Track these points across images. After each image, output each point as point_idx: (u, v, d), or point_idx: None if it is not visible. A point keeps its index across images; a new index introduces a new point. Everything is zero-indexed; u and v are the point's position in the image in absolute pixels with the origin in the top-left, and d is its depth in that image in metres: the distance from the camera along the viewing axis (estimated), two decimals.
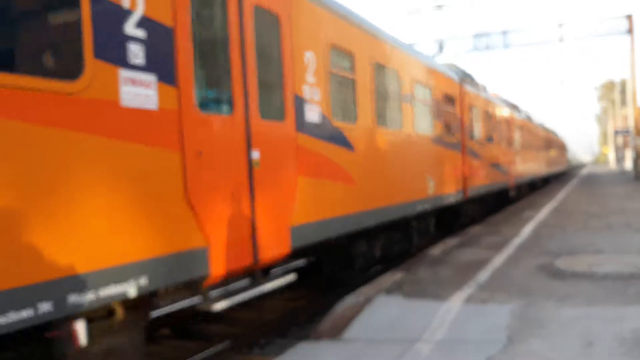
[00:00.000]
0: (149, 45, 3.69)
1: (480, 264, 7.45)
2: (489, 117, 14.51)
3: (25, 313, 2.83)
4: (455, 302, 5.52)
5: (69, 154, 3.11)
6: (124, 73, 3.49)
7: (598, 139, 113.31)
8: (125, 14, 3.50)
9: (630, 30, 28.97)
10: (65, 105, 3.09)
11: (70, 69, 3.20)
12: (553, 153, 36.11)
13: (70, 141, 3.13)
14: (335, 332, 4.83)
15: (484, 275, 6.73)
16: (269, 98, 4.99)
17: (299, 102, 5.40)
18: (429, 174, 9.22)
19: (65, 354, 3.35)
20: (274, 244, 4.86)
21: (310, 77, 5.60)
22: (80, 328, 3.29)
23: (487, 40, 33.10)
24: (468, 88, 12.46)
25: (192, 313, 6.51)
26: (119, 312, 3.70)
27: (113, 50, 3.42)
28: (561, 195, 21.35)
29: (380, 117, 7.31)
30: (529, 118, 24.81)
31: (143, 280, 3.54)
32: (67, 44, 3.28)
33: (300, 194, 5.33)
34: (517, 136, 19.48)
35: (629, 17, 29.06)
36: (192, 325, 6.29)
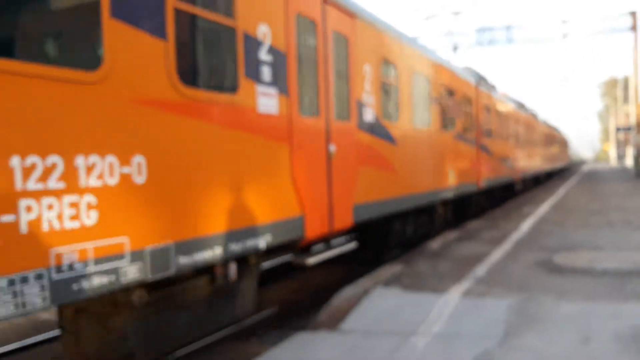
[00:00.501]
0: (273, 67, 4.99)
1: (479, 258, 7.45)
2: (499, 115, 15.75)
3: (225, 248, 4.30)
4: (453, 295, 5.52)
5: (233, 146, 4.44)
6: (259, 88, 4.79)
7: (599, 136, 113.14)
8: (261, 44, 4.84)
9: (633, 28, 28.82)
10: (231, 112, 4.43)
11: (232, 85, 4.50)
12: (556, 149, 37.16)
13: (233, 137, 4.45)
14: (333, 323, 4.84)
15: (482, 269, 6.73)
16: (340, 103, 6.27)
17: (359, 106, 6.70)
18: (450, 166, 10.48)
19: (223, 284, 4.66)
20: (342, 218, 6.17)
21: (367, 86, 6.94)
22: (233, 268, 4.63)
23: (491, 35, 32.95)
24: (482, 89, 13.73)
25: None
26: (252, 260, 5.03)
27: (254, 71, 4.73)
28: (561, 191, 21.33)
29: (415, 116, 8.61)
30: (534, 116, 25.67)
31: (268, 238, 4.84)
32: (229, 67, 4.53)
33: (359, 180, 6.63)
34: (523, 133, 20.56)
35: (633, 14, 28.90)
36: None
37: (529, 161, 21.78)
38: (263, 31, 4.89)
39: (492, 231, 10.26)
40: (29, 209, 2.87)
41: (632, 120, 31.83)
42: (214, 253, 4.18)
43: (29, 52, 3.27)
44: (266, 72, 4.89)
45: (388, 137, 7.48)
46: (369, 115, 6.90)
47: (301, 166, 5.35)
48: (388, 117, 7.53)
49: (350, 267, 8.93)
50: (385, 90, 7.46)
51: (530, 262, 7.01)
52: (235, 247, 4.43)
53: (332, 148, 5.96)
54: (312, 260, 5.67)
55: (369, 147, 6.89)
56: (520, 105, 21.78)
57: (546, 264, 6.84)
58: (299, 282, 8.12)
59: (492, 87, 15.89)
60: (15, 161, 2.82)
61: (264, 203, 4.81)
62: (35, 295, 2.89)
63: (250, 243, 4.60)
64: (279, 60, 5.07)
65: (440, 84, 10.01)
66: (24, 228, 2.84)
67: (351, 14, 6.56)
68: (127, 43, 3.50)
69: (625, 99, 57.31)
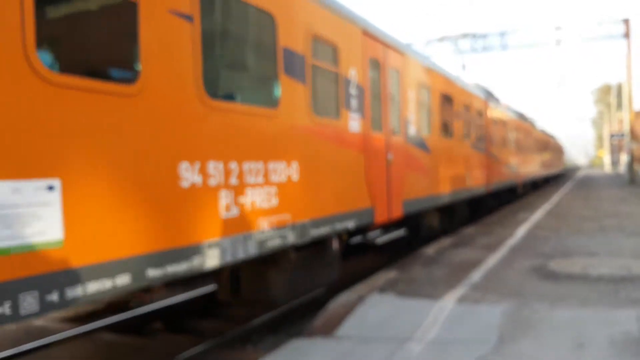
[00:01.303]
0: (357, 98, 6.79)
1: (473, 264, 7.47)
2: (504, 125, 17.73)
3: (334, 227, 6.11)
4: (448, 301, 5.53)
5: (337, 156, 6.26)
6: (350, 114, 6.61)
7: (594, 142, 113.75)
8: (351, 83, 6.67)
9: (627, 35, 29.07)
10: (336, 132, 6.25)
11: (336, 113, 6.30)
12: (552, 156, 39.02)
13: (337, 149, 6.27)
14: (328, 330, 4.84)
15: (477, 275, 6.75)
16: (394, 121, 8.10)
17: (406, 123, 8.57)
18: (467, 171, 12.31)
19: (329, 252, 6.44)
20: (396, 210, 8.03)
21: (410, 106, 8.77)
22: (336, 242, 6.57)
23: (484, 42, 33.14)
24: (490, 103, 15.76)
25: (186, 308, 6.50)
26: (343, 238, 7.07)
27: (348, 102, 6.54)
28: (556, 197, 21.42)
29: (442, 129, 10.51)
30: (533, 124, 27.74)
31: (353, 222, 6.56)
32: (335, 100, 6.32)
33: (406, 181, 8.47)
34: (524, 141, 22.49)
35: (626, 22, 29.15)
36: (185, 320, 6.28)
37: (529, 167, 23.60)
38: (352, 73, 6.74)
39: (487, 237, 10.29)
40: (244, 194, 4.64)
41: (626, 127, 32.05)
42: (328, 229, 5.98)
43: (239, 97, 4.84)
44: (354, 102, 6.71)
45: (424, 147, 9.36)
46: (412, 130, 8.79)
47: (371, 170, 7.15)
48: (424, 131, 9.43)
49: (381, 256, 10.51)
50: (422, 108, 9.36)
51: (525, 268, 7.04)
52: (338, 226, 6.24)
53: (390, 156, 7.81)
54: (380, 240, 8.09)
55: (412, 155, 8.79)
56: (521, 116, 23.59)
57: (541, 270, 6.87)
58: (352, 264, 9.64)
59: (498, 101, 17.96)
60: (245, 166, 4.68)
61: (352, 196, 6.60)
62: (252, 247, 4.72)
63: (345, 224, 6.39)
64: (360, 93, 6.91)
65: (461, 101, 12.01)
66: (248, 207, 4.68)
67: (401, 52, 8.51)
68: (289, 88, 5.37)
69: (619, 106, 57.72)
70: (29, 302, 2.94)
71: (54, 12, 3.73)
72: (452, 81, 11.44)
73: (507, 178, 17.68)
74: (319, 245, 6.22)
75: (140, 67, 3.70)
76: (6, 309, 2.84)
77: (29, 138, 2.97)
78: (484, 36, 32.97)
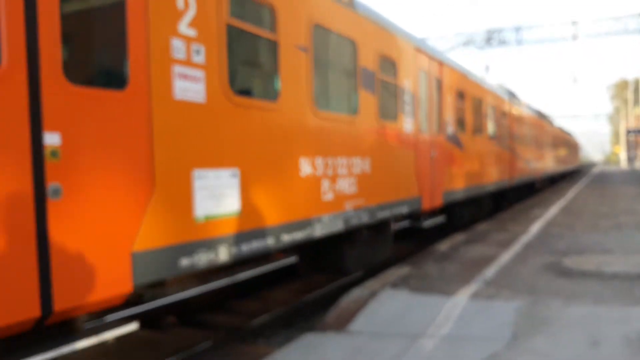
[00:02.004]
0: (410, 104, 8.24)
1: (487, 261, 7.43)
2: (524, 123, 18.90)
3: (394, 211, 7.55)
4: (461, 297, 5.51)
5: (396, 152, 7.65)
6: (405, 117, 8.01)
7: (610, 138, 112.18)
8: (405, 91, 8.04)
9: None
10: (395, 132, 7.66)
11: (395, 116, 7.66)
12: (568, 152, 40.42)
13: (397, 147, 7.71)
14: (341, 325, 4.85)
15: (490, 271, 6.71)
16: (436, 122, 9.50)
17: (445, 123, 9.95)
18: (494, 166, 13.61)
19: (388, 232, 7.96)
20: (438, 199, 9.41)
21: (449, 109, 10.17)
22: (394, 224, 8.58)
23: (500, 36, 32.81)
24: (513, 104, 17.04)
25: (199, 302, 6.56)
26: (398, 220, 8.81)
27: (402, 107, 7.97)
28: (571, 194, 21.19)
29: (474, 128, 11.95)
30: (550, 122, 28.94)
31: (406, 208, 7.96)
32: (394, 106, 7.68)
33: (445, 174, 9.79)
34: (542, 138, 23.75)
35: None
36: (198, 314, 6.34)
37: (546, 163, 25.14)
38: (406, 83, 8.13)
39: (500, 234, 10.22)
40: (336, 182, 6.07)
41: None
42: (389, 213, 7.41)
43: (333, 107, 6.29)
44: (407, 107, 8.09)
45: (459, 144, 10.69)
46: (449, 130, 10.17)
47: (419, 164, 8.50)
48: (459, 129, 10.81)
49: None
50: (459, 111, 10.85)
51: (539, 265, 6.99)
52: (396, 211, 7.65)
53: (433, 153, 9.15)
54: (426, 224, 9.79)
55: (450, 151, 10.16)
56: (540, 114, 24.68)
57: (555, 267, 6.81)
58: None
59: (519, 101, 19.18)
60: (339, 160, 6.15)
61: (406, 186, 8.01)
62: (341, 224, 6.13)
63: (401, 209, 7.82)
64: (412, 99, 8.28)
65: (489, 102, 13.39)
66: (338, 192, 6.11)
67: (440, 62, 9.80)
68: (364, 98, 6.79)
69: (636, 101, 56.85)
70: (222, 252, 4.39)
71: (235, 58, 4.85)
72: (481, 85, 12.90)
73: (527, 173, 19.00)
74: (381, 226, 7.69)
75: (280, 88, 5.19)
76: (214, 256, 4.33)
77: (224, 142, 4.47)
78: (499, 31, 32.65)
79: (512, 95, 17.73)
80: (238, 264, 6.25)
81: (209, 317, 6.34)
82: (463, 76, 11.23)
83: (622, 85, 76.25)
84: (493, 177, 13.49)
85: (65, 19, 3.29)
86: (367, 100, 6.81)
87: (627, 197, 18.11)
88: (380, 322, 4.86)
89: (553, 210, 14.55)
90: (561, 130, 35.54)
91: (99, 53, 3.85)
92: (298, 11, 5.41)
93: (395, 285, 6.13)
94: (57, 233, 3.10)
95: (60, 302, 3.11)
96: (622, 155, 73.73)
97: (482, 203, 13.76)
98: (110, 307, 3.61)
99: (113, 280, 3.43)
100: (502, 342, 4.18)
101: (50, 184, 3.09)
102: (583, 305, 5.06)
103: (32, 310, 2.97)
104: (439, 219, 10.45)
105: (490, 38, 32.32)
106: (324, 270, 6.86)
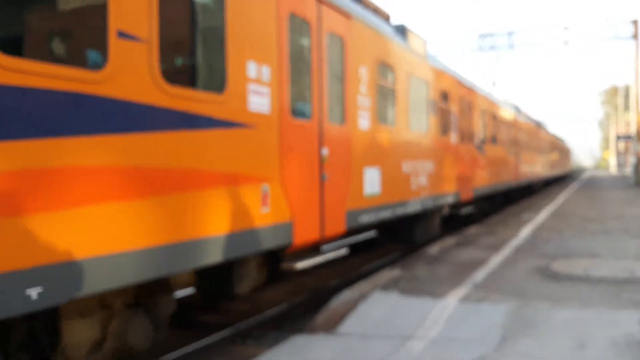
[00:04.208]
0: (455, 122, 11.14)
1: (477, 264, 7.48)
2: (526, 133, 22.01)
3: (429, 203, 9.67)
4: (451, 300, 5.55)
5: (447, 158, 10.47)
6: (452, 133, 10.90)
7: (600, 144, 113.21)
8: (452, 113, 11.01)
9: (635, 36, 28.92)
10: (447, 144, 10.58)
11: (446, 133, 10.57)
12: (561, 157, 43.71)
13: (446, 153, 10.45)
14: (330, 326, 4.86)
15: (480, 275, 6.76)
16: (468, 135, 12.41)
17: (474, 134, 12.85)
18: (503, 170, 16.35)
19: (439, 216, 10.83)
20: (469, 195, 12.06)
21: (476, 124, 13.15)
22: (447, 209, 11.52)
23: (492, 41, 33.04)
24: (518, 116, 20.20)
25: (188, 302, 6.54)
26: (445, 208, 11.26)
27: (451, 126, 10.92)
28: (561, 198, 21.37)
29: (492, 137, 14.88)
30: (546, 130, 31.96)
31: (451, 199, 10.69)
32: (447, 126, 10.68)
33: (474, 175, 12.58)
34: (539, 145, 26.86)
35: (635, 22, 28.99)
36: (188, 314, 6.32)
37: (543, 168, 28.34)
38: (453, 107, 11.03)
39: (490, 237, 10.29)
40: (418, 177, 8.84)
41: (633, 129, 31.89)
42: (442, 201, 10.00)
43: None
44: (454, 125, 10.95)
45: (482, 151, 13.51)
46: (477, 140, 13.09)
47: (458, 167, 11.18)
48: (482, 140, 13.65)
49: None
50: (483, 124, 13.82)
51: (529, 269, 7.05)
52: (446, 200, 10.26)
53: (467, 158, 11.92)
54: (464, 211, 12.15)
55: (477, 157, 12.92)
56: (538, 123, 28.09)
57: (544, 271, 6.88)
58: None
59: (523, 113, 23.01)
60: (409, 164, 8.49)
61: (451, 183, 10.66)
62: (419, 206, 8.81)
63: (448, 200, 10.41)
64: (456, 119, 11.14)
65: (503, 118, 16.75)
66: (418, 184, 8.85)
67: (471, 90, 12.79)
68: (432, 120, 9.59)
69: (626, 107, 57.42)
70: (373, 216, 7.05)
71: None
72: (497, 103, 16.11)
73: (528, 176, 21.96)
74: (435, 211, 10.21)
75: (395, 117, 7.99)
76: (369, 218, 6.93)
77: (375, 152, 7.18)
78: (491, 35, 32.88)
79: (517, 108, 21.49)
80: (375, 225, 8.88)
81: (200, 316, 6.32)
82: (485, 97, 14.42)
83: (612, 92, 77.03)
84: (504, 178, 16.49)
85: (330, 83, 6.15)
86: (433, 122, 9.63)
87: (615, 202, 18.29)
88: (370, 324, 4.88)
89: (543, 214, 14.67)
90: (555, 137, 38.82)
91: (338, 105, 6.34)
92: (404, 69, 8.35)
93: (385, 287, 6.16)
94: (326, 198, 5.86)
95: (322, 233, 5.80)
96: (612, 160, 74.44)
97: (496, 199, 17.39)
98: (336, 239, 6.38)
99: (339, 224, 6.17)
100: (491, 344, 4.21)
101: (323, 173, 5.81)
102: (570, 309, 5.11)
103: (316, 234, 5.68)
104: (470, 209, 12.88)
105: (482, 43, 32.56)
106: (398, 241, 9.52)
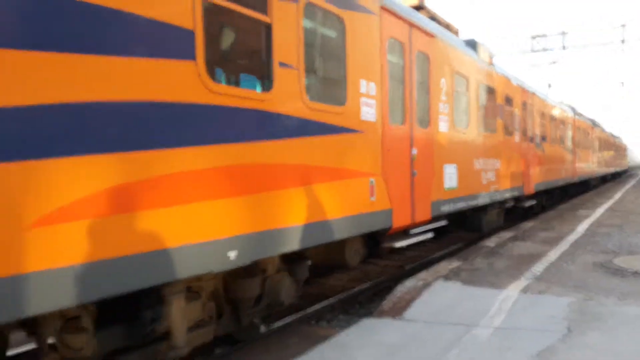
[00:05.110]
0: (518, 123, 11.61)
1: (535, 257, 7.18)
2: (583, 132, 22.47)
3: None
4: (512, 291, 5.36)
5: (511, 155, 10.91)
6: (515, 132, 11.35)
7: None
8: (515, 115, 11.44)
9: None
10: (511, 143, 10.96)
11: (511, 133, 10.98)
12: (617, 155, 43.05)
13: (512, 152, 10.94)
14: (397, 312, 4.83)
15: (539, 267, 6.48)
16: (530, 134, 12.65)
17: (535, 134, 13.16)
18: (562, 167, 16.84)
19: (503, 209, 11.08)
20: (531, 188, 12.40)
21: (536, 125, 13.41)
22: (510, 202, 11.35)
23: (544, 42, 31.48)
24: (576, 117, 20.64)
25: None
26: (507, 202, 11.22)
27: (515, 126, 11.36)
28: (617, 195, 20.10)
29: (550, 137, 15.21)
30: (602, 128, 31.57)
31: (516, 192, 11.04)
32: (512, 126, 11.15)
33: (535, 171, 12.93)
34: (595, 143, 26.95)
35: None
36: None
37: (600, 164, 28.61)
38: (516, 111, 11.39)
39: (547, 232, 9.84)
40: (487, 172, 9.31)
41: None
42: (507, 195, 10.34)
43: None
44: (516, 126, 11.25)
45: (542, 149, 13.78)
46: (537, 139, 13.39)
47: (522, 163, 11.57)
48: (542, 139, 13.91)
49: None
50: (542, 124, 14.07)
51: (589, 263, 6.68)
52: (511, 194, 10.66)
53: (529, 156, 12.24)
54: (527, 204, 12.27)
55: (537, 155, 13.22)
56: (594, 122, 27.64)
57: (606, 266, 6.50)
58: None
59: (579, 113, 22.74)
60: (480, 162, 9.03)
61: (515, 178, 10.95)
62: (488, 199, 9.36)
63: (513, 193, 10.72)
64: (519, 120, 11.56)
65: (561, 118, 17.11)
66: (487, 179, 9.36)
67: (533, 94, 13.25)
68: (499, 122, 10.17)
69: None
70: (451, 207, 7.62)
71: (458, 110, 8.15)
72: (554, 105, 16.29)
73: (585, 173, 22.21)
74: (499, 204, 10.55)
75: (469, 121, 8.50)
76: (448, 208, 7.51)
77: (453, 151, 7.74)
78: (543, 36, 31.35)
79: (573, 109, 21.79)
80: (453, 215, 9.16)
81: None
82: (543, 100, 14.65)
83: None
84: (562, 174, 16.86)
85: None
86: (499, 124, 10.09)
87: None
88: (434, 311, 4.80)
89: (600, 210, 13.86)
90: (611, 135, 38.42)
91: (423, 112, 6.91)
92: (475, 78, 8.89)
93: (447, 277, 6.03)
94: (416, 190, 6.46)
95: (413, 219, 6.38)
96: None
97: (555, 194, 17.63)
98: (423, 225, 6.99)
99: (426, 212, 6.76)
100: (557, 335, 4.03)
101: (413, 170, 6.39)
102: (638, 304, 4.80)
103: (408, 220, 6.28)
104: (532, 202, 13.06)
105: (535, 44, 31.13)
106: (466, 230, 9.79)
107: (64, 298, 2.62)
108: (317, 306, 5.90)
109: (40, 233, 2.53)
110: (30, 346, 4.45)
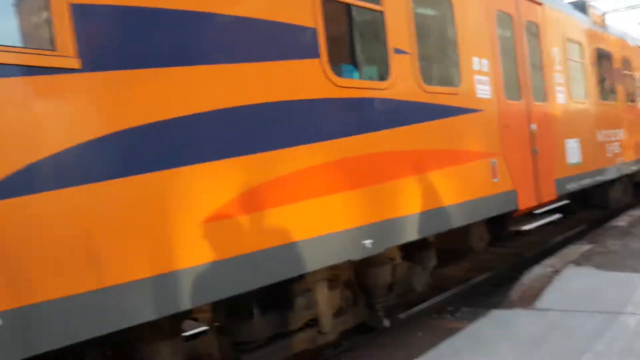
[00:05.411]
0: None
1: None
2: None
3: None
4: None
5: (636, 123, 9.85)
6: (638, 99, 10.22)
7: None
8: (637, 80, 10.12)
9: None
10: (632, 112, 9.90)
11: (633, 99, 10.08)
12: None
13: (633, 121, 9.78)
14: (527, 302, 4.53)
15: None
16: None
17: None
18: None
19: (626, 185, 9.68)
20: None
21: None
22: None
23: None
24: None
25: None
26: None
27: (636, 92, 10.22)
28: None
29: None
30: None
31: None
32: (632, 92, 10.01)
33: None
34: None
35: None
36: None
37: None
38: (637, 74, 10.27)
39: None
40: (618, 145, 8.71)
41: None
42: (636, 167, 9.52)
43: None
44: (638, 91, 10.30)
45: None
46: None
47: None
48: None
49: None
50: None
51: None
52: (638, 166, 9.65)
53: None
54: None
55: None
56: None
57: None
58: None
59: None
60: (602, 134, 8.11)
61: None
62: (614, 172, 8.47)
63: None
64: (638, 84, 10.30)
65: None
66: (613, 151, 8.52)
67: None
68: (618, 89, 9.09)
69: None
70: (574, 185, 7.01)
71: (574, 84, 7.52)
72: None
73: None
74: (629, 176, 9.55)
75: (588, 91, 7.92)
76: (575, 185, 7.02)
77: (574, 125, 7.27)
78: None
79: None
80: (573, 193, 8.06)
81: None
82: None
83: None
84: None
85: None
86: (619, 90, 9.11)
87: None
88: (570, 299, 4.43)
89: None
90: None
91: (538, 85, 6.53)
92: (588, 43, 8.12)
93: (578, 262, 5.55)
94: (539, 169, 6.08)
95: (538, 199, 6.03)
96: None
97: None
98: (549, 204, 6.55)
99: (551, 191, 6.36)
100: None
101: (534, 147, 6.02)
102: None
103: (533, 201, 5.94)
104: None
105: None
106: (591, 207, 9.01)
107: (240, 284, 2.94)
108: (439, 297, 5.73)
109: (213, 227, 2.84)
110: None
